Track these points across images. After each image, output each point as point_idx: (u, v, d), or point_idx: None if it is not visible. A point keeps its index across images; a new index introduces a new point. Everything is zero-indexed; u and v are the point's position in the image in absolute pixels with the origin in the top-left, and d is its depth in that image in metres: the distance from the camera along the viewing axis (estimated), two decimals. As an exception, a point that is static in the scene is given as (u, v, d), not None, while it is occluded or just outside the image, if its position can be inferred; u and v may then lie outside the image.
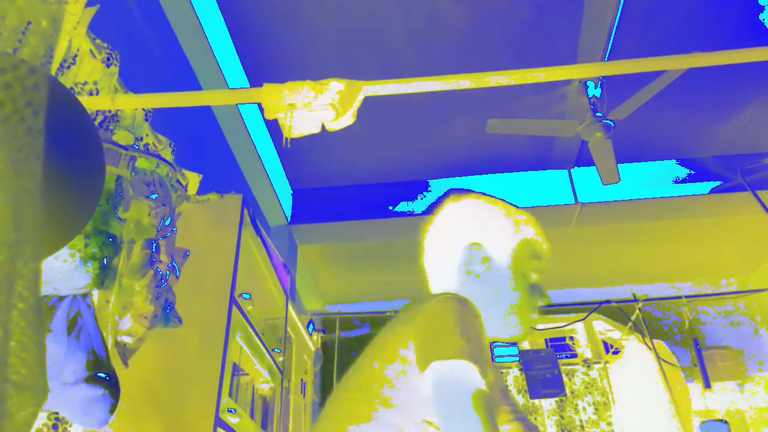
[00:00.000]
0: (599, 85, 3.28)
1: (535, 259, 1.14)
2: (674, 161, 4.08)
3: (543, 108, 3.53)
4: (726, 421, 3.76)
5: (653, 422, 4.27)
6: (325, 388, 4.41)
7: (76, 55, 1.24)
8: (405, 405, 0.91)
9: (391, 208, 4.08)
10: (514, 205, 1.19)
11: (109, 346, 1.24)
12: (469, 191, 1.21)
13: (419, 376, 0.89)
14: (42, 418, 1.36)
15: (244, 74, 3.13)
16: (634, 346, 4.56)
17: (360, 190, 4.19)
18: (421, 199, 4.14)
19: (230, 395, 2.03)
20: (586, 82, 3.29)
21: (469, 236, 1.14)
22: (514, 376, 4.53)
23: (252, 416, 2.34)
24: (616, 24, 2.89)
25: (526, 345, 4.78)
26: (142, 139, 1.39)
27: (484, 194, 1.21)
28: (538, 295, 1.12)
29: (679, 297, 4.61)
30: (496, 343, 4.83)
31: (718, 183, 3.97)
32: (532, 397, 4.32)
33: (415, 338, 0.93)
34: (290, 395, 3.02)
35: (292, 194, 4.24)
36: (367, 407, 0.92)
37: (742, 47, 1.30)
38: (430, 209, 1.21)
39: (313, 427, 1.07)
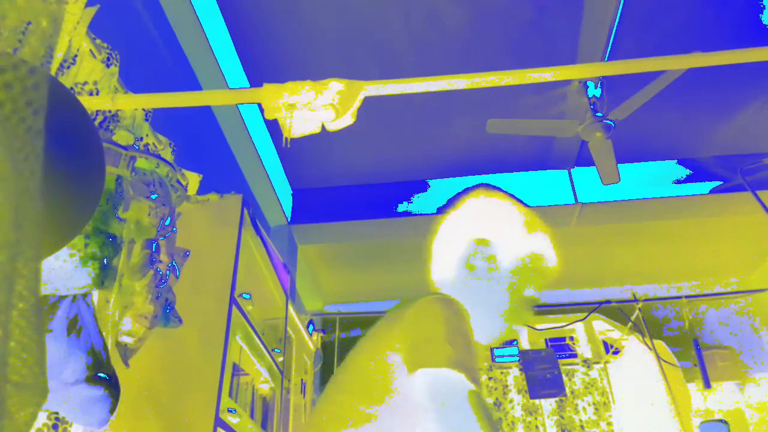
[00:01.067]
0: (599, 85, 3.28)
1: (538, 275, 1.13)
2: (674, 161, 4.08)
3: (543, 108, 3.53)
4: (725, 422, 3.75)
5: (653, 422, 4.26)
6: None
7: (76, 55, 1.24)
8: (394, 408, 0.91)
9: (391, 208, 4.08)
10: (538, 217, 1.18)
11: (110, 346, 1.24)
12: (496, 189, 1.21)
13: (407, 379, 0.89)
14: (42, 418, 1.36)
15: (244, 74, 3.13)
16: (634, 346, 4.55)
17: (360, 190, 4.19)
18: (421, 199, 4.14)
19: (230, 395, 2.03)
20: (586, 82, 3.29)
21: (480, 232, 1.14)
22: (514, 376, 4.53)
23: (252, 416, 2.34)
24: (616, 24, 2.89)
25: (526, 345, 4.78)
26: (142, 139, 1.39)
27: (512, 197, 1.20)
28: (528, 309, 1.12)
29: (679, 297, 4.61)
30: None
31: (718, 183, 3.97)
32: (532, 397, 4.32)
33: (402, 342, 0.94)
34: (290, 395, 3.01)
35: (292, 194, 4.24)
36: (356, 410, 0.92)
37: (742, 47, 1.30)
38: (454, 200, 1.21)
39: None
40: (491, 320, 1.09)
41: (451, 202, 1.22)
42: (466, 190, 1.22)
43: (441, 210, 1.24)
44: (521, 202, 1.21)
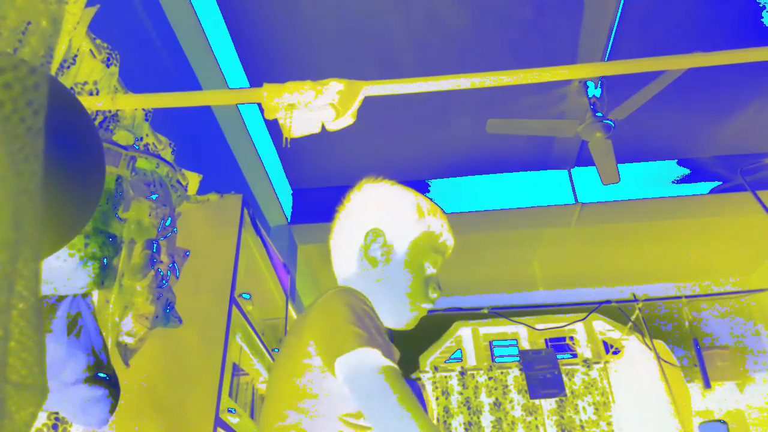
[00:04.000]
0: (599, 85, 3.28)
1: (434, 252, 1.15)
2: (674, 161, 4.08)
3: (543, 108, 3.53)
4: (724, 422, 3.76)
5: (653, 422, 4.26)
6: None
7: (76, 55, 1.24)
8: (332, 411, 0.90)
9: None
10: (426, 197, 1.21)
11: (110, 347, 1.24)
12: (380, 179, 1.24)
13: (332, 379, 0.89)
14: (42, 418, 1.36)
15: (244, 74, 3.13)
16: (634, 346, 4.55)
17: (360, 190, 4.19)
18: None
19: (230, 395, 2.03)
20: (586, 82, 3.29)
21: (372, 222, 1.17)
22: (514, 376, 4.53)
23: (252, 416, 2.34)
24: (616, 24, 2.89)
25: (526, 345, 4.78)
26: (142, 139, 1.39)
27: (395, 183, 1.23)
28: (432, 287, 1.14)
29: (679, 297, 4.61)
30: (496, 342, 4.83)
31: (718, 183, 3.97)
32: (532, 397, 4.32)
33: (315, 343, 0.94)
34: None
35: (292, 194, 4.24)
36: (300, 426, 0.91)
37: (742, 47, 1.30)
38: (345, 195, 1.23)
39: None
40: (398, 305, 1.11)
41: (342, 198, 1.24)
42: (353, 187, 1.24)
43: (335, 208, 1.25)
44: (404, 185, 1.23)
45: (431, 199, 1.22)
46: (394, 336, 1.05)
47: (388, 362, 0.86)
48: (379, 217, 1.17)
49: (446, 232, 1.19)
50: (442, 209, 1.21)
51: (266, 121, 3.46)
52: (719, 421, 3.82)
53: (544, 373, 4.32)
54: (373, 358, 0.85)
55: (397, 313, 1.11)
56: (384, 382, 0.83)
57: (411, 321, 1.14)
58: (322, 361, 0.91)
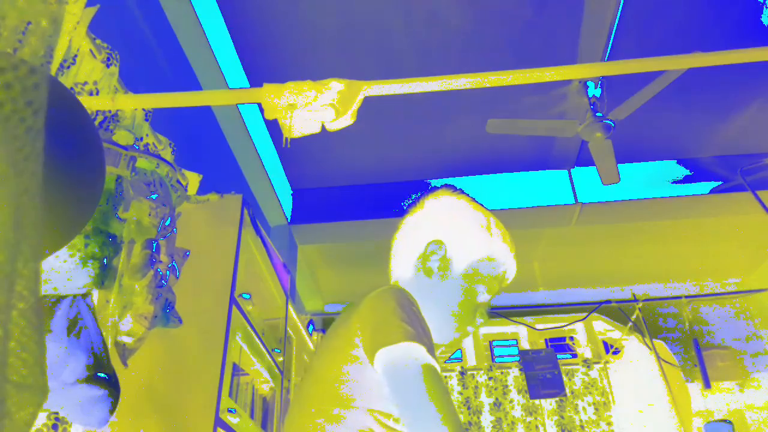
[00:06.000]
0: (599, 85, 3.28)
1: (493, 280, 1.12)
2: (674, 161, 4.08)
3: (543, 108, 3.53)
4: (730, 422, 3.75)
5: (653, 422, 4.26)
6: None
7: (76, 55, 1.24)
8: (366, 404, 0.90)
9: (391, 208, 4.08)
10: (498, 221, 1.18)
11: (109, 346, 1.24)
12: (456, 191, 1.21)
13: (373, 371, 0.89)
14: (42, 418, 1.36)
15: (244, 74, 3.13)
16: (634, 346, 4.55)
17: (360, 190, 4.19)
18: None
19: (230, 395, 2.03)
20: (586, 82, 3.29)
21: (436, 233, 1.14)
22: (514, 376, 4.53)
23: (252, 416, 2.34)
24: (616, 24, 2.89)
25: (526, 345, 4.78)
26: (142, 139, 1.39)
27: (472, 199, 1.20)
28: (481, 313, 1.11)
29: (679, 297, 4.61)
30: (496, 342, 4.83)
31: (718, 183, 3.97)
32: (532, 397, 4.32)
33: (361, 334, 0.93)
34: (290, 395, 3.01)
35: (292, 194, 4.24)
36: (330, 412, 0.91)
37: (742, 47, 1.30)
38: (417, 200, 1.22)
39: None
40: (442, 321, 1.08)
41: (415, 202, 1.23)
42: (430, 190, 1.22)
43: (406, 209, 1.24)
44: (483, 206, 1.20)
45: (503, 224, 1.17)
46: None
47: (432, 360, 0.85)
48: (445, 228, 1.15)
49: (510, 261, 1.15)
50: (511, 236, 1.17)
51: (266, 121, 3.46)
52: (725, 420, 3.82)
53: (544, 373, 4.32)
54: (418, 354, 0.85)
55: (439, 331, 1.07)
56: (424, 378, 0.82)
57: (452, 342, 1.10)
58: (364, 350, 0.90)
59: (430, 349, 0.87)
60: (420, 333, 0.88)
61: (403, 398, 0.84)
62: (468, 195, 1.21)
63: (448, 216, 1.17)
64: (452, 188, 1.22)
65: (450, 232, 1.14)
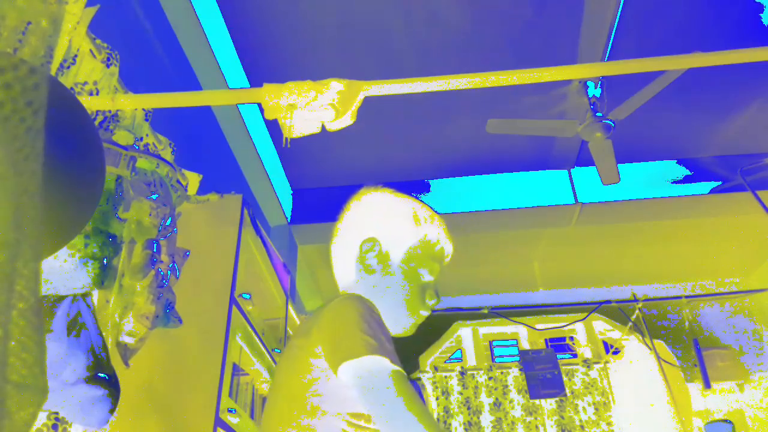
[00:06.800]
0: (599, 85, 3.28)
1: (431, 259, 1.16)
2: (674, 161, 4.08)
3: (543, 108, 3.53)
4: (730, 422, 3.76)
5: (653, 422, 4.26)
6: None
7: (76, 55, 1.24)
8: (335, 409, 0.92)
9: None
10: (424, 205, 1.22)
11: (110, 346, 1.24)
12: (378, 186, 1.24)
13: (335, 380, 0.91)
14: (42, 418, 1.36)
15: (244, 74, 3.13)
16: (634, 346, 4.55)
17: (360, 190, 4.19)
18: (421, 199, 4.14)
19: (230, 395, 2.03)
20: (586, 82, 3.29)
21: (368, 231, 1.18)
22: (514, 376, 4.53)
23: (252, 416, 2.34)
24: (616, 24, 2.89)
25: (526, 345, 4.78)
26: (142, 139, 1.39)
27: (393, 191, 1.24)
28: (430, 294, 1.15)
29: (679, 297, 4.61)
30: (496, 342, 4.83)
31: (718, 183, 3.97)
32: (532, 397, 4.32)
33: (323, 345, 0.95)
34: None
35: (292, 194, 4.24)
36: (300, 423, 0.92)
37: (742, 47, 1.30)
38: (346, 203, 1.24)
39: None
40: (395, 312, 1.12)
41: (342, 208, 1.26)
42: (354, 193, 1.25)
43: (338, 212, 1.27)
44: (403, 193, 1.23)
45: (430, 207, 1.22)
46: (394, 339, 1.06)
47: (397, 367, 0.88)
48: (374, 226, 1.19)
49: (444, 239, 1.19)
50: (440, 216, 1.22)
51: (266, 121, 3.46)
52: (725, 420, 3.82)
53: (544, 373, 4.32)
54: (381, 365, 0.87)
55: (395, 320, 1.12)
56: (392, 386, 0.85)
57: (409, 328, 1.15)
58: (328, 363, 0.92)
59: (393, 355, 0.89)
60: (382, 343, 0.90)
61: (376, 408, 0.87)
62: (388, 187, 1.24)
63: (375, 212, 1.21)
64: (372, 185, 1.25)
65: (380, 227, 1.18)
